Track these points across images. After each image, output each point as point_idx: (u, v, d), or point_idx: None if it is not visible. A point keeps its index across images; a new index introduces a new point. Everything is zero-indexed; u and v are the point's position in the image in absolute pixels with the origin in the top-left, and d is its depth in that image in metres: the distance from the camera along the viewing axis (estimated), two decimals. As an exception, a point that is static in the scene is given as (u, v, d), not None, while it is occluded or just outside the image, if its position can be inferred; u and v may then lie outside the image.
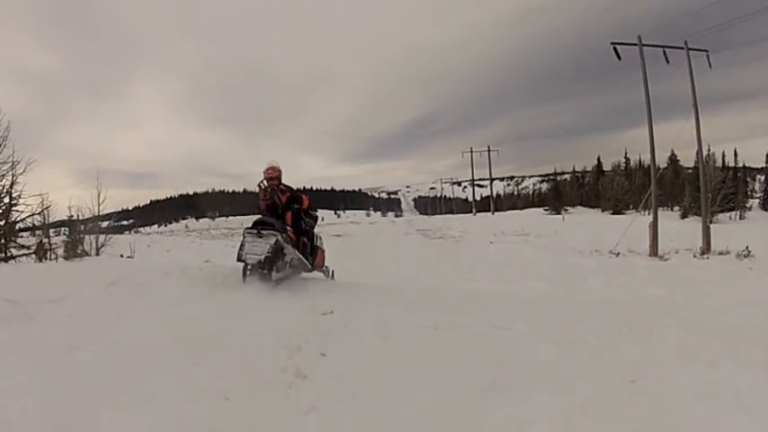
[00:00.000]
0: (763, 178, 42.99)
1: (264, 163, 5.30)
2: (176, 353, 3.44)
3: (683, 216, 30.35)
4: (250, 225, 4.72)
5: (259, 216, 4.87)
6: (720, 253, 11.33)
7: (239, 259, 4.59)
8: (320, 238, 5.25)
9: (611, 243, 12.70)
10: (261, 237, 4.55)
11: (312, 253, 5.04)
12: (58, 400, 2.60)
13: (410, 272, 9.16)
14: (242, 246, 4.59)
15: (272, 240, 4.53)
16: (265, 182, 5.06)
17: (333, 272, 5.57)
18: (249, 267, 4.67)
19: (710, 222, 14.10)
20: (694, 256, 11.25)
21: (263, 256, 4.50)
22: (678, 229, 18.03)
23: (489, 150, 44.92)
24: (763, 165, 42.33)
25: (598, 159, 49.24)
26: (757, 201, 39.33)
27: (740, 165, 42.46)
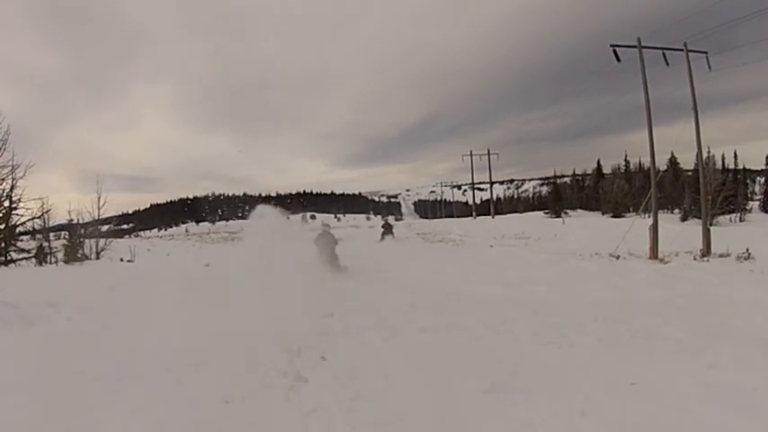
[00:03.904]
0: (763, 180, 43.01)
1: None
2: (177, 356, 3.44)
3: (684, 219, 30.31)
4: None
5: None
6: (721, 255, 11.29)
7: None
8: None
9: (611, 246, 12.68)
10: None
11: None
12: (58, 402, 2.61)
13: (410, 275, 9.14)
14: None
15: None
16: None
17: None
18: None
19: (711, 225, 14.04)
20: (695, 259, 11.22)
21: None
22: (678, 231, 18.01)
23: (489, 154, 44.84)
24: (764, 167, 42.41)
25: (598, 162, 49.33)
26: (757, 203, 39.31)
27: (740, 167, 42.42)
